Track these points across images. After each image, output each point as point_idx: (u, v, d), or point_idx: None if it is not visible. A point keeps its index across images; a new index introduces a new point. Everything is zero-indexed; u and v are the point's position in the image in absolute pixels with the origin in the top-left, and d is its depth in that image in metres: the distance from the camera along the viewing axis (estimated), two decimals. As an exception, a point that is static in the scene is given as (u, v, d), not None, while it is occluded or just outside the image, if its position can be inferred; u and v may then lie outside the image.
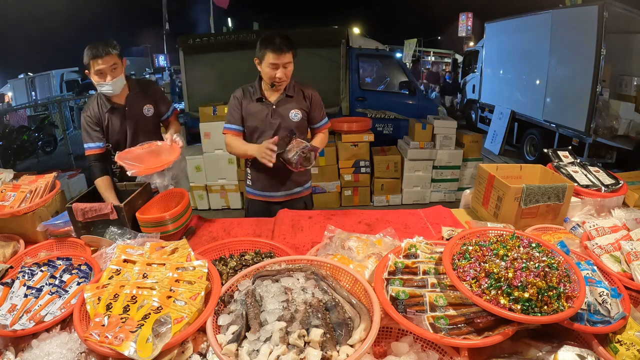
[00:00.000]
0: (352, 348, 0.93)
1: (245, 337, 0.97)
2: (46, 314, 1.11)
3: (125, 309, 1.03)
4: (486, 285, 1.02)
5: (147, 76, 15.30)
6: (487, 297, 1.00)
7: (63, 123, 7.93)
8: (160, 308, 1.03)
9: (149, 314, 1.00)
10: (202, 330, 1.04)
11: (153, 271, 1.18)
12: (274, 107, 2.01)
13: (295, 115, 2.03)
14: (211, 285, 1.15)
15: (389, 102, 5.76)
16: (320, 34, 5.50)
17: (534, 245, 1.17)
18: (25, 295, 1.18)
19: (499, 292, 1.00)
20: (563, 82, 5.84)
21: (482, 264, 1.08)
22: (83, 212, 1.56)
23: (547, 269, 1.04)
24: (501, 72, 7.83)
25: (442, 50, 22.27)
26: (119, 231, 1.51)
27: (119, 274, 1.17)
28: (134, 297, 1.06)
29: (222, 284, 1.18)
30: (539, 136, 6.44)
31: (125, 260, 1.23)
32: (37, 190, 1.73)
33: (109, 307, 1.04)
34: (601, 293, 1.12)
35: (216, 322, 1.04)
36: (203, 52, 5.38)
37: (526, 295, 0.97)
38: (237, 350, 0.94)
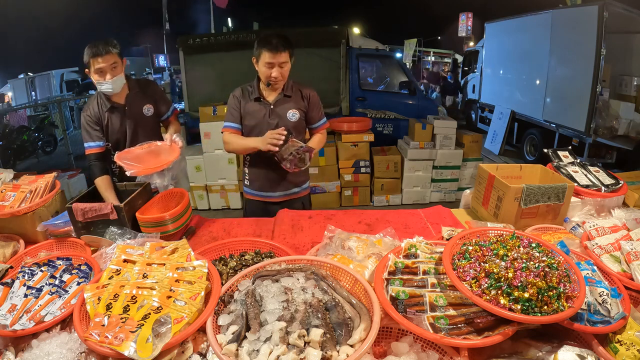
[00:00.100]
0: (352, 348, 0.93)
1: (245, 337, 0.97)
2: (46, 314, 1.11)
3: (125, 309, 1.03)
4: (486, 285, 1.02)
5: (147, 76, 15.30)
6: (487, 297, 1.00)
7: (63, 123, 7.92)
8: (160, 308, 1.03)
9: (149, 314, 1.00)
10: (202, 330, 1.04)
11: (153, 271, 1.18)
12: (272, 107, 2.02)
13: (293, 115, 2.03)
14: (211, 285, 1.15)
15: (389, 102, 5.76)
16: (320, 34, 5.50)
17: (534, 245, 1.17)
18: (25, 295, 1.18)
19: (499, 292, 1.00)
20: (563, 82, 5.84)
21: (482, 264, 1.08)
22: (83, 212, 1.56)
23: (547, 269, 1.04)
24: (501, 72, 7.83)
25: (442, 50, 22.27)
26: (119, 231, 1.51)
27: (119, 274, 1.17)
28: (134, 297, 1.06)
29: (222, 284, 1.18)
30: (539, 136, 6.44)
31: (125, 260, 1.23)
32: (37, 190, 1.73)
33: (109, 307, 1.04)
34: (601, 293, 1.12)
35: (216, 322, 1.04)
36: (203, 52, 5.38)
37: (526, 295, 0.97)
38: (237, 350, 0.94)
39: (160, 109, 2.23)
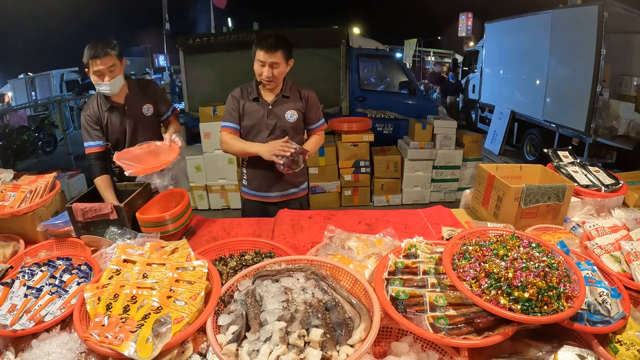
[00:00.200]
0: (352, 348, 0.93)
1: (245, 337, 0.97)
2: (46, 314, 1.11)
3: (125, 309, 1.03)
4: (486, 285, 1.02)
5: (149, 76, 15.30)
6: (487, 297, 1.00)
7: (63, 123, 7.92)
8: (160, 308, 1.03)
9: (149, 314, 1.00)
10: (202, 330, 1.04)
11: (153, 271, 1.18)
12: (270, 107, 2.01)
13: (291, 115, 2.03)
14: (211, 285, 1.15)
15: (389, 102, 5.76)
16: (320, 34, 5.50)
17: (534, 245, 1.17)
18: (25, 295, 1.18)
19: (499, 292, 1.00)
20: (563, 82, 5.85)
21: (482, 264, 1.08)
22: (83, 212, 1.56)
23: (547, 269, 1.04)
24: (501, 72, 7.83)
25: (442, 50, 22.27)
26: (119, 231, 1.51)
27: (119, 274, 1.17)
28: (134, 297, 1.06)
29: (222, 284, 1.18)
30: (539, 136, 6.44)
31: (125, 260, 1.23)
32: (37, 190, 1.73)
33: (109, 307, 1.04)
34: (601, 293, 1.12)
35: (216, 322, 1.04)
36: (203, 52, 5.38)
37: (526, 295, 0.97)
38: (237, 350, 0.94)
39: (160, 108, 2.23)
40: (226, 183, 4.78)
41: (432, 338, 0.97)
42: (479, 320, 1.00)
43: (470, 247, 1.17)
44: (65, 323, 1.13)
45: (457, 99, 10.78)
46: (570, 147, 2.26)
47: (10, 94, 13.36)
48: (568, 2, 6.53)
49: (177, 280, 1.14)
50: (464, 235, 1.29)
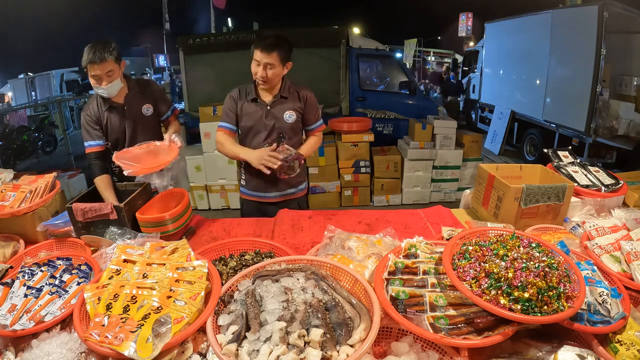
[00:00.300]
0: (352, 348, 0.93)
1: (245, 337, 0.97)
2: (46, 314, 1.11)
3: (125, 309, 1.03)
4: (486, 285, 1.02)
5: (147, 76, 15.30)
6: (487, 297, 1.00)
7: (63, 123, 7.92)
8: (160, 308, 1.03)
9: (149, 314, 1.00)
10: (202, 330, 1.04)
11: (153, 271, 1.18)
12: (269, 107, 2.01)
13: (289, 116, 2.02)
14: (211, 285, 1.15)
15: (389, 102, 5.76)
16: (320, 34, 5.51)
17: (534, 245, 1.17)
18: (25, 295, 1.18)
19: (499, 292, 1.00)
20: (563, 82, 5.84)
21: (482, 264, 1.08)
22: (83, 212, 1.56)
23: (547, 269, 1.04)
24: (501, 72, 7.83)
25: (442, 50, 22.27)
26: (119, 231, 1.51)
27: (119, 274, 1.17)
28: (134, 297, 1.06)
29: (222, 284, 1.18)
30: (539, 136, 6.44)
31: (125, 260, 1.23)
32: (37, 190, 1.73)
33: (109, 307, 1.04)
34: (601, 293, 1.12)
35: (216, 322, 1.04)
36: (203, 52, 5.38)
37: (526, 295, 0.97)
38: (237, 350, 0.94)
39: (160, 108, 2.23)
40: (226, 183, 4.78)
41: (432, 338, 0.97)
42: (479, 320, 1.00)
43: (470, 247, 1.17)
44: (65, 323, 1.13)
45: (459, 99, 10.76)
46: (570, 147, 2.26)
47: (10, 94, 13.36)
48: (567, 2, 6.52)
49: (177, 280, 1.14)
50: (464, 235, 1.29)
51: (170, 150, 1.99)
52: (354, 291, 1.12)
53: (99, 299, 1.07)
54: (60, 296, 1.19)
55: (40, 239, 1.66)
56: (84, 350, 1.01)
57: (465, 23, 19.49)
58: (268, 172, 1.86)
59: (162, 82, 13.70)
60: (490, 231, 1.33)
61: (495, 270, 1.04)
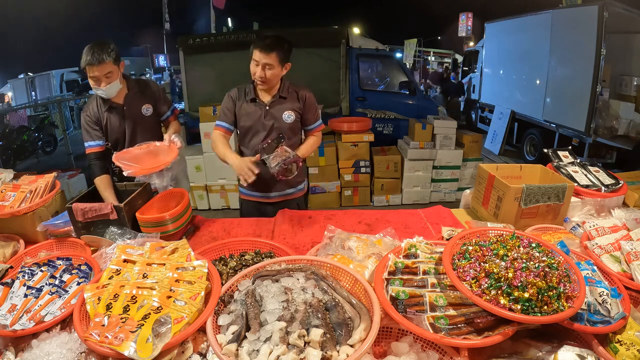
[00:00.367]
0: (352, 348, 0.93)
1: (245, 337, 0.98)
2: (46, 314, 1.11)
3: (125, 309, 1.03)
4: (486, 285, 1.02)
5: (147, 76, 15.31)
6: (487, 297, 1.00)
7: (63, 123, 7.92)
8: (160, 308, 1.03)
9: (149, 314, 1.00)
10: (202, 330, 1.04)
11: (153, 271, 1.18)
12: (267, 108, 2.01)
13: (288, 116, 2.02)
14: (211, 285, 1.15)
15: (389, 102, 5.76)
16: (320, 33, 5.50)
17: (534, 245, 1.17)
18: (25, 295, 1.18)
19: (499, 292, 1.00)
20: (563, 82, 5.84)
21: (482, 264, 1.08)
22: (83, 212, 1.56)
23: (547, 269, 1.04)
24: (501, 72, 7.83)
25: (442, 50, 22.27)
26: (119, 231, 1.51)
27: (119, 274, 1.17)
28: (134, 297, 1.06)
29: (222, 284, 1.18)
30: (539, 136, 6.43)
31: (125, 260, 1.23)
32: (37, 190, 1.73)
33: (109, 307, 1.04)
34: (601, 293, 1.12)
35: (216, 322, 1.04)
36: (203, 52, 5.38)
37: (526, 295, 0.97)
38: (237, 350, 0.94)
39: (160, 109, 2.22)
40: (226, 183, 4.78)
41: (432, 338, 0.97)
42: (479, 320, 1.00)
43: (470, 247, 1.17)
44: (65, 323, 1.14)
45: (459, 99, 10.74)
46: (570, 147, 2.26)
47: (10, 94, 13.36)
48: (564, 3, 6.51)
49: (177, 280, 1.14)
50: (464, 235, 1.29)
51: (170, 150, 1.99)
52: (354, 291, 1.12)
53: (99, 299, 1.07)
54: (60, 296, 1.19)
55: (40, 239, 1.66)
56: (84, 350, 1.01)
57: (465, 23, 19.48)
58: (245, 184, 1.82)
59: (162, 82, 13.71)
60: (490, 231, 1.33)
61: (495, 270, 1.04)
